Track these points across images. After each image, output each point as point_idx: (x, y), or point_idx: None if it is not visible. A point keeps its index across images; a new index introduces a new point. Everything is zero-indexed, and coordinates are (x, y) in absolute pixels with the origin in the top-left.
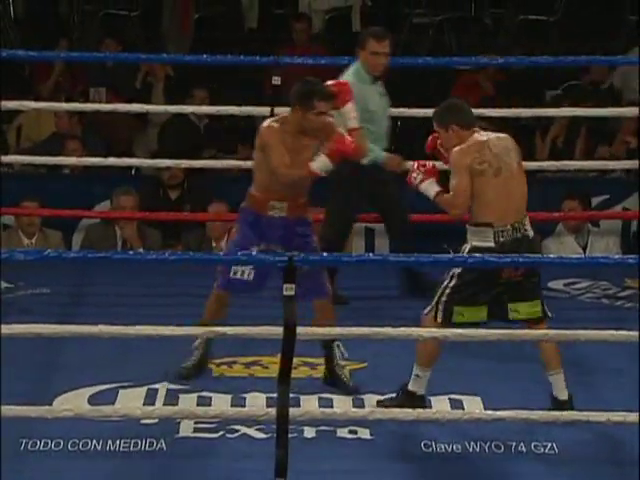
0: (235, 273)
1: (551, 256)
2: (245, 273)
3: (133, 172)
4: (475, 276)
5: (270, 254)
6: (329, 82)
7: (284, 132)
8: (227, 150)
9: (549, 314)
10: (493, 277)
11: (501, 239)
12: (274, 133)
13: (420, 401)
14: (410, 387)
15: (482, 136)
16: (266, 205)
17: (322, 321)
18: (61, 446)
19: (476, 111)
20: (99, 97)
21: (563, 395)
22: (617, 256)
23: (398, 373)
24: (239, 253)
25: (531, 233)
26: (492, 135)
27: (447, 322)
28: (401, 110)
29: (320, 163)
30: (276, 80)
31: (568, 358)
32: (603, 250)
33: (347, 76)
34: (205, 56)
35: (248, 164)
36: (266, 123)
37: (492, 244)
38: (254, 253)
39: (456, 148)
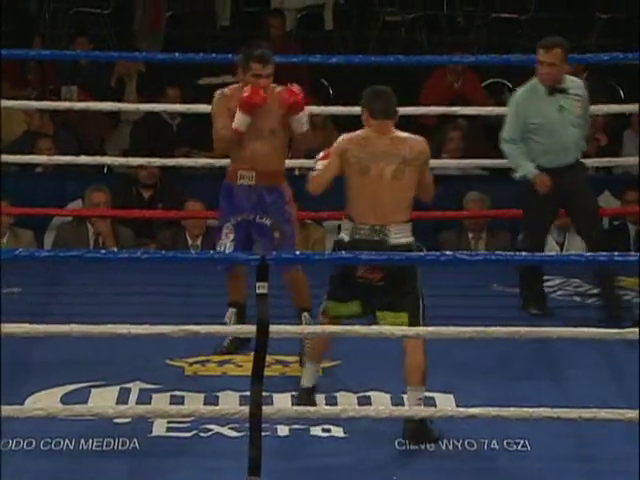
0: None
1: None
2: (227, 247)
3: (105, 170)
4: (338, 272)
5: (243, 254)
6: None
7: (232, 97)
8: (202, 148)
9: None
10: (350, 274)
11: (356, 236)
12: (220, 100)
13: (311, 394)
14: (302, 383)
15: (382, 132)
16: (236, 175)
17: (297, 293)
18: (33, 445)
19: (448, 109)
20: (71, 95)
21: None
22: (588, 254)
23: (371, 371)
24: (213, 251)
25: (396, 241)
26: (393, 135)
27: (327, 316)
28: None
29: (236, 119)
30: None
31: (540, 355)
32: (578, 247)
33: (523, 87)
34: (177, 54)
35: (222, 162)
36: (219, 90)
37: (348, 238)
38: (228, 243)
39: (346, 134)
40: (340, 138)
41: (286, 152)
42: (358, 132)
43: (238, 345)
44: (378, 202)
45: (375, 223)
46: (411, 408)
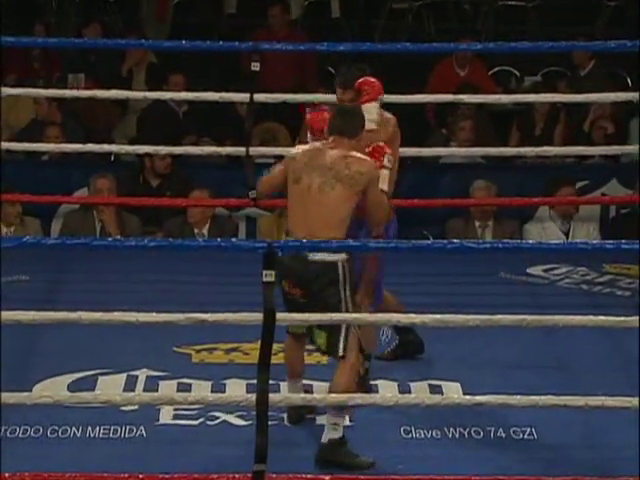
0: None
1: (530, 242)
2: None
3: (112, 159)
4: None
5: (249, 242)
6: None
7: None
8: (211, 137)
9: (341, 353)
10: (282, 290)
11: None
12: None
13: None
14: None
15: (333, 147)
16: None
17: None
18: (40, 433)
19: (455, 97)
20: (77, 84)
21: None
22: (595, 241)
23: (377, 360)
24: (219, 239)
25: (316, 257)
26: (344, 152)
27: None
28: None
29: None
30: (255, 66)
31: (546, 344)
32: (584, 236)
33: None
34: (184, 42)
35: (228, 150)
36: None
37: None
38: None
39: (303, 145)
40: (295, 147)
41: None
42: (317, 143)
43: (400, 353)
44: (307, 214)
45: (304, 236)
46: (418, 395)
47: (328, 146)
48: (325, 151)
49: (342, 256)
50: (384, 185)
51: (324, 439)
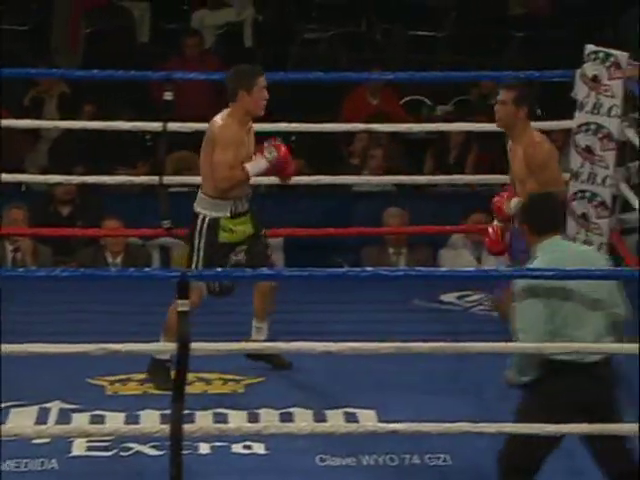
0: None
1: (443, 269)
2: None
3: (24, 188)
4: None
5: (162, 270)
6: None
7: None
8: (124, 165)
9: None
10: None
11: None
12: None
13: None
14: (158, 357)
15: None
16: None
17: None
18: None
19: (367, 126)
20: None
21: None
22: (507, 268)
23: (294, 387)
24: (133, 269)
25: (195, 206)
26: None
27: None
28: (294, 125)
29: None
30: (168, 95)
31: (460, 371)
32: (495, 262)
33: None
34: (96, 71)
35: (142, 179)
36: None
37: None
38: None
39: None
40: None
41: None
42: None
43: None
44: None
45: None
46: (333, 423)
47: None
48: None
49: (208, 212)
50: (251, 167)
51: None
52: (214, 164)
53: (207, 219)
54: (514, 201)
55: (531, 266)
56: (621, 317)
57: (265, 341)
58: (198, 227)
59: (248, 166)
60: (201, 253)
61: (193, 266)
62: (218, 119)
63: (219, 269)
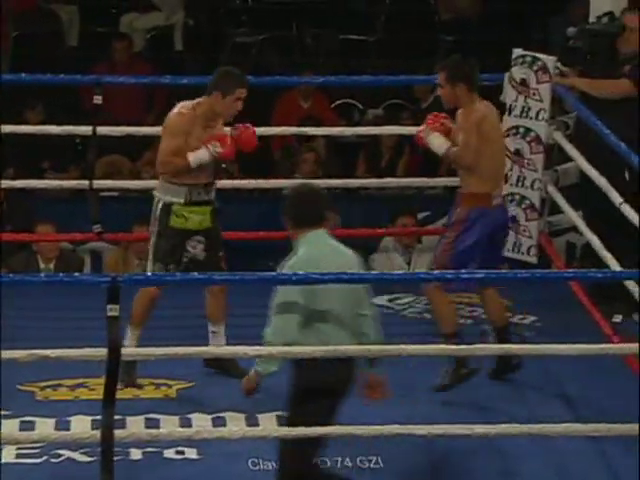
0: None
1: (373, 272)
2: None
3: None
4: None
5: (94, 275)
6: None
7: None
8: (54, 169)
9: None
10: None
11: None
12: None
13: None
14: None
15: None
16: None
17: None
18: None
19: (298, 129)
20: None
21: None
22: (436, 272)
23: (225, 392)
24: (63, 274)
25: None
26: None
27: None
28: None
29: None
30: (97, 99)
31: (391, 373)
32: (425, 265)
33: None
34: (24, 75)
35: (71, 183)
36: (184, 106)
37: None
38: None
39: None
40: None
41: None
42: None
43: (462, 377)
44: None
45: None
46: (265, 428)
47: None
48: None
49: (162, 195)
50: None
51: None
52: (159, 148)
53: (161, 202)
54: (434, 135)
55: (291, 262)
56: (369, 319)
57: (205, 345)
58: (153, 210)
59: (191, 155)
60: (154, 238)
61: (150, 249)
62: (177, 107)
63: (161, 265)
